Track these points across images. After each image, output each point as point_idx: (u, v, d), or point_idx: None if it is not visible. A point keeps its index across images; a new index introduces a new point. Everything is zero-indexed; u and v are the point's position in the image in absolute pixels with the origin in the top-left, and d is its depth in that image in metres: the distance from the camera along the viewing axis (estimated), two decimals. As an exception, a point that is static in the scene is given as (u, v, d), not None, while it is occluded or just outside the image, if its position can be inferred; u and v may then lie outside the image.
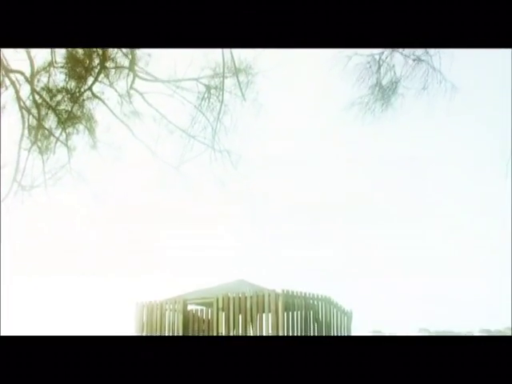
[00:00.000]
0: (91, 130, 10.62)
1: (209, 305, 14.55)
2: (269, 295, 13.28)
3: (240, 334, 13.61)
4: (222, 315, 13.93)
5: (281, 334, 12.97)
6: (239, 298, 13.69)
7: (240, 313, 13.68)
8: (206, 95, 9.29)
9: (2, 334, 7.79)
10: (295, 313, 13.57)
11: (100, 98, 9.78)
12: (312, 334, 13.95)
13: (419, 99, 7.20)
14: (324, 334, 14.32)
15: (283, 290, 13.26)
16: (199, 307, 15.20)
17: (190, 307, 15.12)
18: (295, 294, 13.56)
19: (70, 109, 10.49)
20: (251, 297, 13.51)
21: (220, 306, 13.95)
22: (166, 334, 15.00)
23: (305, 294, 13.85)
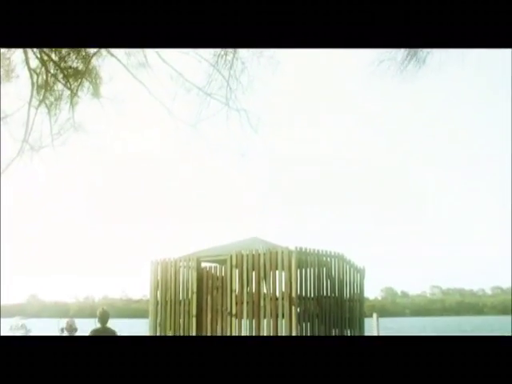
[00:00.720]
0: (96, 87, 10.61)
1: (222, 262, 14.67)
2: (282, 252, 13.37)
3: (253, 291, 13.75)
4: (236, 272, 14.06)
5: (294, 291, 13.09)
6: (253, 255, 13.79)
7: (253, 270, 13.80)
8: (222, 52, 9.21)
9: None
10: (308, 270, 13.67)
11: (115, 56, 9.75)
12: (325, 291, 14.07)
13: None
14: (337, 291, 14.44)
15: (296, 247, 13.34)
16: (213, 264, 15.33)
17: (203, 264, 15.26)
18: (308, 251, 13.64)
19: (81, 66, 10.47)
20: (264, 254, 13.61)
21: (234, 263, 14.07)
22: (181, 291, 15.18)
23: (318, 251, 13.92)
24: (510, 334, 8.68)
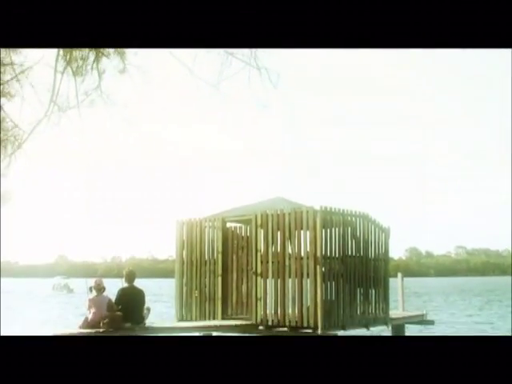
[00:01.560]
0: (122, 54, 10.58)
1: (247, 222, 14.74)
2: (307, 212, 13.38)
3: (278, 251, 13.83)
4: (261, 232, 14.12)
5: (318, 250, 13.13)
6: (277, 215, 13.83)
7: (278, 229, 13.85)
8: None
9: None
10: (333, 229, 13.68)
11: None
12: (350, 251, 14.10)
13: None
14: (362, 251, 14.46)
15: (321, 207, 13.33)
16: (238, 224, 15.42)
17: (228, 224, 15.35)
18: (333, 210, 13.64)
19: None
20: (289, 213, 13.64)
21: (258, 223, 14.13)
22: (206, 251, 15.32)
23: (343, 210, 13.91)
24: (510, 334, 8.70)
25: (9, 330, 18.07)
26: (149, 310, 12.65)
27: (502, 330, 21.74)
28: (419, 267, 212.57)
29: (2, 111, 11.06)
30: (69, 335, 8.68)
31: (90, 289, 12.35)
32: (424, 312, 18.70)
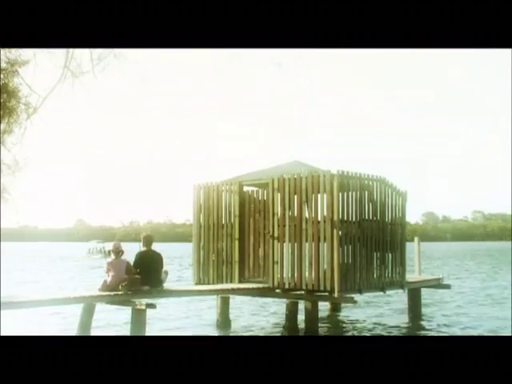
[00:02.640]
0: None
1: (264, 186, 14.76)
2: (324, 176, 13.36)
3: (295, 214, 13.86)
4: (278, 196, 14.15)
5: (335, 214, 13.14)
6: (294, 179, 13.83)
7: (295, 193, 13.86)
8: None
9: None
10: (350, 193, 13.66)
11: None
12: (367, 214, 14.09)
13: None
14: (379, 215, 14.45)
15: (338, 171, 13.30)
16: (255, 188, 15.44)
17: (245, 188, 15.38)
18: (350, 174, 13.60)
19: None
20: (306, 177, 13.63)
21: (275, 186, 14.14)
22: (223, 215, 15.39)
23: (360, 174, 13.87)
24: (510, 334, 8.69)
25: (36, 291, 18.39)
26: (167, 273, 12.77)
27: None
28: (436, 232, 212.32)
29: (18, 77, 11.08)
30: (69, 335, 8.78)
31: (109, 252, 12.49)
32: (440, 276, 18.74)
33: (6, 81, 10.98)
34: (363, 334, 14.57)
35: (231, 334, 9.80)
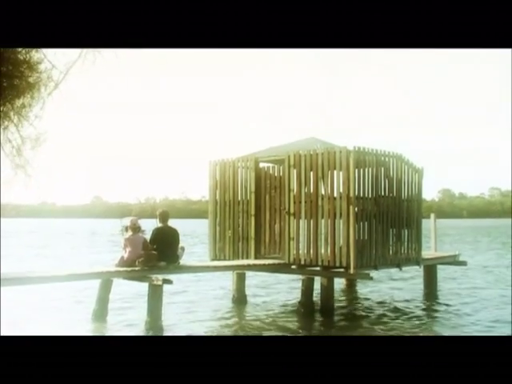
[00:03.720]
0: None
1: (280, 162, 14.75)
2: (340, 152, 13.32)
3: (311, 191, 13.86)
4: (294, 172, 14.14)
5: (351, 190, 13.12)
6: (310, 155, 13.80)
7: (311, 170, 13.84)
8: None
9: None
10: (366, 170, 13.63)
11: None
12: (383, 191, 14.06)
13: None
14: (395, 191, 14.42)
15: (354, 147, 13.25)
16: (271, 165, 15.44)
17: (261, 165, 15.38)
18: (366, 150, 13.55)
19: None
20: (322, 154, 13.60)
21: (291, 163, 14.13)
22: (239, 191, 15.41)
23: (376, 150, 13.81)
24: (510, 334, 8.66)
25: (63, 267, 18.62)
26: (183, 249, 12.86)
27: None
28: (452, 209, 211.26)
29: (39, 52, 11.10)
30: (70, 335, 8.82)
31: (126, 228, 12.58)
32: (457, 253, 18.70)
33: (27, 55, 11.00)
34: (377, 312, 14.62)
35: (232, 334, 9.89)
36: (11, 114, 12.70)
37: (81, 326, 12.25)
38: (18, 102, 12.62)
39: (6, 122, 12.70)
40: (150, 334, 11.15)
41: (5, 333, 10.60)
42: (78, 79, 11.06)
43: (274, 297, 16.90)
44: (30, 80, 12.15)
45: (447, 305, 15.39)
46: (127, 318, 13.03)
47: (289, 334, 8.28)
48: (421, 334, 8.15)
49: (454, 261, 18.15)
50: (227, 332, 12.08)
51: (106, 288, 12.82)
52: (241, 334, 11.84)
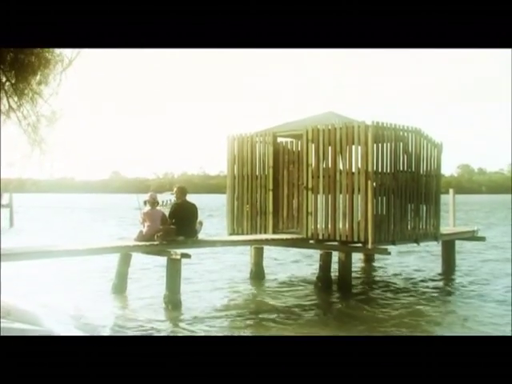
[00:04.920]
0: None
1: (298, 137, 14.70)
2: (358, 127, 13.24)
3: (329, 166, 13.82)
4: (312, 147, 14.09)
5: (370, 165, 13.07)
6: (329, 130, 13.74)
7: (329, 144, 13.79)
8: None
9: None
10: (385, 144, 13.55)
11: None
12: (401, 166, 13.99)
13: None
14: (413, 166, 14.34)
15: (373, 122, 13.16)
16: (289, 139, 15.40)
17: (279, 139, 15.34)
18: (385, 125, 13.46)
19: None
20: (341, 128, 13.53)
21: (309, 137, 14.08)
22: (257, 166, 15.41)
23: (394, 125, 13.71)
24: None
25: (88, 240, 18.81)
26: (201, 223, 12.91)
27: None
28: (471, 184, 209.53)
29: None
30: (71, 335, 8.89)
31: (145, 203, 12.66)
32: (475, 228, 18.61)
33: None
34: (394, 287, 14.65)
35: (231, 335, 9.95)
36: (27, 91, 12.79)
37: (102, 299, 12.42)
38: (34, 79, 12.70)
39: (23, 99, 12.80)
40: (170, 307, 11.29)
41: (31, 307, 10.78)
42: (92, 55, 11.08)
43: (291, 271, 16.98)
44: (46, 56, 12.20)
45: (465, 280, 15.38)
46: (146, 292, 13.18)
47: (289, 334, 8.34)
48: (420, 335, 8.21)
49: (472, 236, 18.07)
50: (244, 306, 12.18)
51: (125, 262, 12.95)
52: (258, 309, 11.95)
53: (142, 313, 11.10)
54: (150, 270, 15.88)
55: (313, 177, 14.07)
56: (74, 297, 12.44)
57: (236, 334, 9.77)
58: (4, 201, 38.64)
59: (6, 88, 12.55)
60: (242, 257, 18.46)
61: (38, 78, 12.69)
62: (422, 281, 15.43)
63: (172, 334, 8.93)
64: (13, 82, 12.48)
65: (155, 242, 11.87)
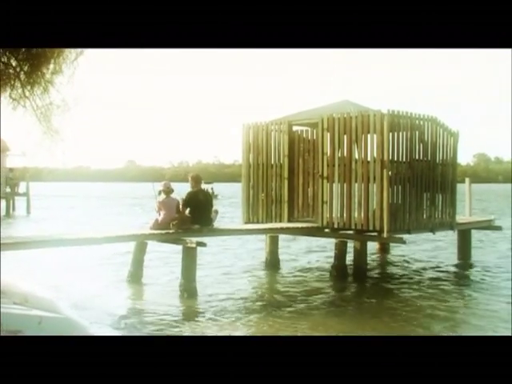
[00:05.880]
0: None
1: (314, 125, 14.68)
2: (374, 115, 13.19)
3: (345, 154, 13.79)
4: (327, 135, 14.06)
5: (385, 154, 13.02)
6: (344, 118, 13.69)
7: (345, 133, 13.75)
8: None
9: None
10: (400, 133, 13.48)
11: None
12: (417, 155, 13.93)
13: None
14: (429, 155, 14.27)
15: (389, 110, 13.10)
16: (304, 128, 15.37)
17: (295, 128, 15.32)
18: (401, 113, 13.39)
19: None
20: (356, 117, 13.47)
21: (325, 126, 14.04)
22: (272, 155, 15.41)
23: (410, 114, 13.64)
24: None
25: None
26: (216, 212, 12.93)
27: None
28: (487, 173, 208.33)
29: None
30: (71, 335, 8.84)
31: (160, 192, 12.71)
32: (492, 217, 18.51)
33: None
34: (409, 277, 14.62)
35: (229, 335, 10.00)
36: (40, 80, 12.85)
37: (118, 287, 12.51)
38: (47, 68, 12.75)
39: (36, 88, 12.85)
40: (185, 295, 11.35)
41: (50, 295, 10.89)
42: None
43: (306, 260, 17.00)
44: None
45: (481, 270, 15.32)
46: (162, 280, 13.26)
47: (289, 334, 8.38)
48: (420, 335, 8.21)
49: (488, 225, 17.98)
50: (259, 294, 12.22)
51: (141, 250, 13.02)
52: (273, 296, 11.98)
53: (157, 301, 11.17)
54: (165, 258, 15.96)
55: (328, 165, 14.04)
56: (91, 286, 12.57)
57: (251, 322, 9.82)
58: (21, 189, 38.98)
59: (21, 77, 12.62)
60: (255, 244, 18.53)
61: (51, 66, 12.74)
62: (438, 270, 15.38)
63: (177, 331, 8.93)
64: (26, 70, 12.55)
65: (171, 231, 11.93)
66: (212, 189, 61.81)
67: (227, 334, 8.89)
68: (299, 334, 8.36)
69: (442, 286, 13.04)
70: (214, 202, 12.50)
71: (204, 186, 12.55)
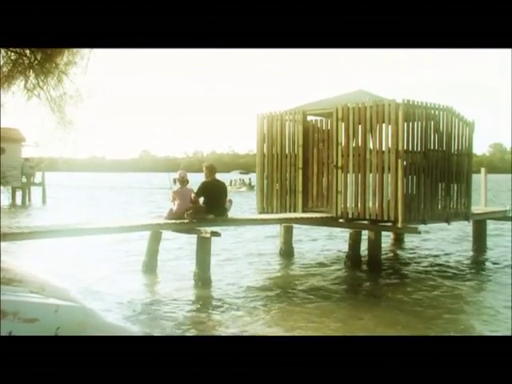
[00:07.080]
0: None
1: (328, 115, 14.63)
2: (389, 105, 13.12)
3: (359, 144, 13.75)
4: (342, 125, 14.02)
5: (400, 144, 12.97)
6: (359, 108, 13.64)
7: (359, 123, 13.70)
8: None
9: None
10: (415, 123, 13.42)
11: None
12: (432, 145, 13.86)
13: None
14: (444, 145, 14.19)
15: (403, 100, 13.03)
16: (319, 118, 15.33)
17: (309, 118, 15.29)
18: (416, 103, 13.32)
19: None
20: (371, 107, 13.42)
21: (339, 116, 14.00)
22: (287, 145, 15.40)
23: (425, 103, 13.56)
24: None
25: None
26: (231, 202, 12.94)
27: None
28: (503, 164, 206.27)
29: None
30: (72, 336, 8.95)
31: (174, 181, 12.75)
32: (507, 208, 18.39)
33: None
34: (423, 267, 14.59)
35: (230, 335, 9.99)
36: (53, 69, 12.88)
37: (133, 276, 12.59)
38: (61, 59, 12.78)
39: (49, 78, 12.90)
40: (200, 285, 11.41)
41: (64, 284, 10.99)
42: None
43: (320, 249, 17.00)
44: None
45: (496, 262, 15.25)
46: (176, 270, 13.32)
47: (289, 334, 8.39)
48: (419, 335, 8.20)
49: (503, 216, 17.87)
50: (273, 284, 12.24)
51: (155, 240, 13.08)
52: (286, 285, 12.00)
53: (172, 290, 11.23)
54: (180, 248, 16.02)
55: (343, 155, 14.01)
56: (107, 275, 12.66)
57: (265, 312, 9.84)
58: (37, 179, 39.19)
59: (35, 67, 12.66)
60: (269, 234, 18.55)
61: (65, 56, 12.77)
62: (452, 261, 15.32)
63: (178, 331, 8.97)
64: (39, 59, 12.59)
65: (185, 220, 11.97)
66: (250, 179, 60.61)
67: (241, 324, 8.93)
68: (299, 334, 8.34)
69: (457, 278, 12.99)
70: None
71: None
